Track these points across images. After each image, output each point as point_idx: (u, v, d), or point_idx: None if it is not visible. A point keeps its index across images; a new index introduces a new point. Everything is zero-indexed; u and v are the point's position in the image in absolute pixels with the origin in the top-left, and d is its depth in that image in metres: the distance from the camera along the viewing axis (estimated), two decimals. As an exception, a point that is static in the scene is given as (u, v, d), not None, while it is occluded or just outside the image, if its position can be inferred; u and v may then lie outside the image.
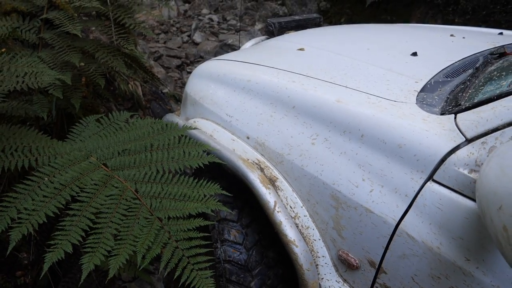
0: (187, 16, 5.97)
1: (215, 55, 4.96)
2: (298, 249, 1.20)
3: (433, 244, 0.95)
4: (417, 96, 1.17)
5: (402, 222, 1.01)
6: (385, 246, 1.05)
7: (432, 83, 1.25)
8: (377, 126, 1.09)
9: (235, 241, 1.37)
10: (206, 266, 1.13)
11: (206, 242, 1.17)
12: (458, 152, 0.95)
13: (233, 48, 4.96)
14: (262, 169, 1.32)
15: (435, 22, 6.19)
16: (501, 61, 1.32)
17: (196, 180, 1.29)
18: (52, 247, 1.07)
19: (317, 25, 2.49)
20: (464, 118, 0.99)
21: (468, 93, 1.10)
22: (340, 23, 6.85)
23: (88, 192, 1.19)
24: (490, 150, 0.89)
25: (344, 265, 1.17)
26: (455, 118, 1.01)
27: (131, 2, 2.26)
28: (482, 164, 0.89)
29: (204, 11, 6.15)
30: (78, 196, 1.18)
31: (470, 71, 1.32)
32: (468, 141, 0.95)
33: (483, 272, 0.87)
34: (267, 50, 1.82)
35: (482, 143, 0.92)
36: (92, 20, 2.33)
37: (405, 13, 6.62)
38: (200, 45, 5.15)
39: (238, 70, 1.58)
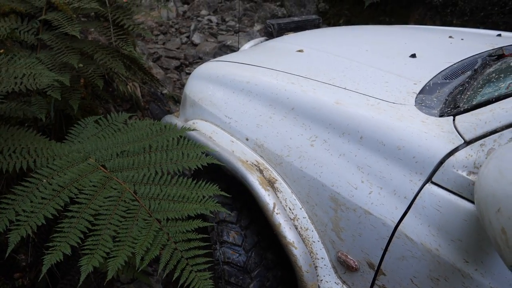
0: (186, 17, 5.97)
1: (214, 56, 4.95)
2: (297, 251, 1.20)
3: (432, 246, 0.95)
4: (415, 98, 1.17)
5: (401, 224, 1.01)
6: (384, 248, 1.05)
7: (431, 85, 1.25)
8: (376, 128, 1.09)
9: (234, 242, 1.36)
10: (205, 267, 1.13)
11: (205, 244, 1.17)
12: (457, 154, 0.95)
13: (232, 49, 4.96)
14: (261, 171, 1.32)
15: (434, 23, 6.20)
16: (499, 63, 1.32)
17: (194, 182, 1.29)
18: (50, 249, 1.07)
19: (316, 26, 2.49)
20: (463, 120, 0.99)
21: (467, 95, 1.11)
22: (339, 24, 6.85)
23: (87, 194, 1.19)
24: (488, 152, 0.89)
25: (343, 267, 1.17)
26: (453, 120, 1.02)
27: (130, 3, 2.26)
28: (480, 166, 0.89)
29: (203, 12, 6.15)
30: (77, 198, 1.18)
31: (469, 73, 1.33)
32: (467, 143, 0.95)
33: (481, 274, 0.87)
34: (266, 52, 1.82)
35: (480, 145, 0.92)
36: (90, 21, 2.33)
37: (403, 15, 6.63)
38: (199, 46, 5.15)
39: (237, 71, 1.58)
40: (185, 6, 6.37)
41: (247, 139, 1.40)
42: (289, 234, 1.21)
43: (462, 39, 1.73)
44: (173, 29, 5.55)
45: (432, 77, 1.29)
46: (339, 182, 1.14)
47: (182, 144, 1.39)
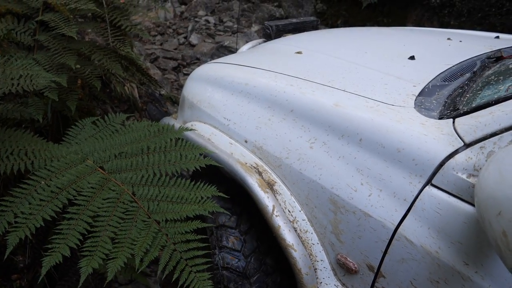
0: (183, 18, 5.96)
1: (212, 57, 4.95)
2: (297, 253, 1.19)
3: (432, 249, 0.95)
4: (415, 100, 1.17)
5: (401, 226, 1.01)
6: (383, 250, 1.05)
7: (430, 87, 1.25)
8: (376, 130, 1.09)
9: (233, 248, 1.36)
10: (204, 268, 1.13)
11: (204, 245, 1.18)
12: (457, 156, 0.95)
13: (230, 49, 4.95)
14: (260, 173, 1.32)
15: (431, 24, 6.22)
16: (498, 65, 1.32)
17: (193, 183, 1.30)
18: (49, 251, 1.07)
19: (314, 28, 2.49)
20: (463, 122, 0.99)
21: (466, 98, 1.11)
22: (337, 25, 6.86)
23: (85, 196, 1.19)
24: (488, 155, 0.89)
25: (343, 269, 1.17)
26: (453, 122, 1.02)
27: (127, 4, 2.25)
28: (480, 169, 0.89)
29: (201, 12, 6.14)
30: (75, 199, 1.18)
31: (468, 75, 1.33)
32: (467, 145, 0.95)
33: (481, 276, 0.87)
34: (264, 53, 1.82)
35: (480, 147, 0.92)
36: (87, 22, 2.32)
37: (401, 15, 6.64)
38: (197, 47, 5.14)
39: (236, 73, 1.57)
40: (183, 6, 6.36)
41: (246, 141, 1.40)
42: (288, 236, 1.21)
43: (460, 41, 1.73)
44: (170, 30, 5.54)
45: (431, 79, 1.29)
46: (339, 184, 1.14)
47: (180, 145, 1.39)
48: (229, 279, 1.32)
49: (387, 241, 1.03)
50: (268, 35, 2.33)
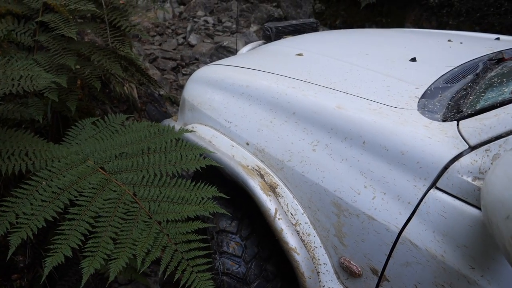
0: (182, 18, 5.95)
1: (211, 57, 4.94)
2: (300, 257, 1.19)
3: (437, 252, 0.94)
4: (418, 102, 1.17)
5: (405, 229, 1.00)
6: (387, 253, 1.04)
7: (432, 89, 1.24)
8: (379, 133, 1.08)
9: (234, 253, 1.35)
10: (205, 268, 1.14)
11: (205, 245, 1.18)
12: (462, 159, 0.94)
13: (229, 50, 4.94)
14: (262, 176, 1.31)
15: (430, 24, 6.22)
16: (500, 67, 1.32)
17: (193, 183, 1.30)
18: (51, 251, 1.08)
19: (314, 29, 2.49)
20: (467, 125, 0.99)
21: (470, 100, 1.10)
22: (335, 25, 6.86)
23: (87, 196, 1.20)
24: (494, 158, 0.89)
25: (346, 273, 1.16)
26: (457, 125, 1.01)
27: (127, 4, 2.24)
28: (486, 172, 0.89)
29: (199, 13, 6.13)
30: (77, 200, 1.18)
31: (470, 77, 1.32)
32: (471, 148, 0.94)
33: (488, 280, 0.86)
34: (265, 55, 1.81)
35: (485, 150, 0.91)
36: (87, 22, 2.31)
37: (399, 15, 6.65)
38: (196, 47, 5.13)
39: (237, 75, 1.57)
40: (182, 7, 6.34)
41: (247, 144, 1.39)
42: (291, 240, 1.20)
43: (461, 43, 1.73)
44: (169, 30, 5.53)
45: (433, 81, 1.28)
46: (342, 187, 1.13)
47: (181, 146, 1.39)
48: (229, 285, 1.31)
49: (391, 244, 1.03)
50: (268, 37, 2.32)
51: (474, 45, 1.70)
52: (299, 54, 1.67)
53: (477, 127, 0.96)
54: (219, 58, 4.82)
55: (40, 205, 1.14)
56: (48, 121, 1.97)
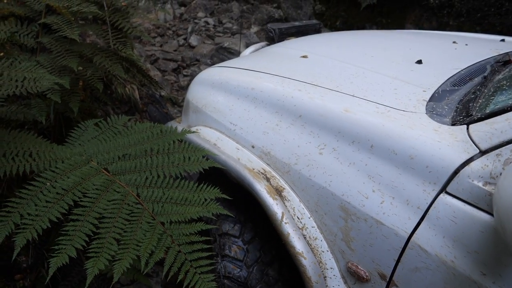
0: (183, 19, 5.93)
1: (211, 58, 4.93)
2: (307, 261, 1.18)
3: (447, 258, 0.93)
4: (426, 105, 1.16)
5: (414, 234, 0.99)
6: (396, 258, 1.03)
7: (440, 92, 1.24)
8: (388, 137, 1.07)
9: (235, 257, 1.34)
10: (208, 269, 1.14)
11: (208, 246, 1.18)
12: (472, 164, 0.93)
13: (229, 51, 4.93)
14: (268, 179, 1.30)
15: (430, 25, 6.22)
16: (507, 70, 1.31)
17: (196, 184, 1.30)
18: (56, 252, 1.08)
19: (317, 31, 2.48)
20: (477, 129, 0.98)
21: (479, 103, 1.09)
22: (336, 26, 6.85)
23: (91, 197, 1.20)
24: (505, 163, 0.88)
25: (354, 278, 1.15)
26: (467, 129, 1.00)
27: (128, 6, 2.24)
28: (497, 176, 0.88)
29: (200, 14, 6.12)
30: (81, 201, 1.19)
31: (477, 79, 1.31)
32: (482, 153, 0.93)
33: (499, 287, 0.85)
34: (269, 57, 1.80)
35: (496, 155, 0.90)
36: (89, 24, 2.31)
37: (400, 16, 6.64)
38: (196, 48, 5.12)
39: (242, 77, 1.55)
40: (182, 8, 6.33)
41: (253, 147, 1.38)
42: (298, 244, 1.19)
43: (466, 45, 1.72)
44: (170, 31, 5.52)
45: (440, 84, 1.28)
46: (349, 191, 1.12)
47: (183, 147, 1.39)
48: None
49: (400, 249, 1.02)
50: (271, 38, 2.31)
51: (480, 47, 1.69)
52: (303, 56, 1.66)
53: (487, 131, 0.95)
54: (220, 59, 4.82)
55: (44, 206, 1.15)
56: (51, 122, 1.97)
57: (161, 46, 5.10)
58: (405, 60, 1.50)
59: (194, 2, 6.34)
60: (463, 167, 0.94)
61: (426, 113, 1.12)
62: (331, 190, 1.16)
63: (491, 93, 1.12)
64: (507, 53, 1.51)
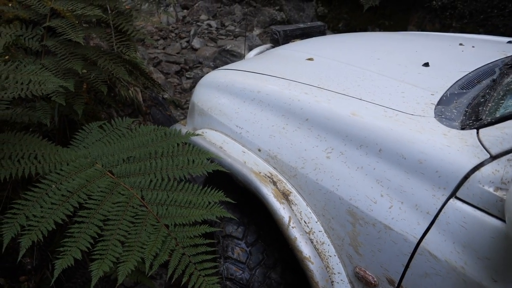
0: (185, 22, 5.94)
1: (214, 61, 4.93)
2: (314, 266, 1.17)
3: (457, 264, 0.92)
4: (434, 109, 1.15)
5: (424, 240, 0.98)
6: (405, 264, 1.02)
7: (448, 95, 1.23)
8: (396, 141, 1.06)
9: (238, 259, 1.35)
10: (212, 272, 1.14)
11: (212, 249, 1.18)
12: (483, 169, 0.92)
13: (232, 53, 4.93)
14: (275, 183, 1.29)
15: (433, 27, 6.20)
16: (516, 73, 1.30)
17: (200, 187, 1.30)
18: (61, 253, 1.09)
19: (322, 33, 2.47)
20: (488, 133, 0.97)
21: (488, 107, 1.08)
22: (338, 28, 6.84)
23: (95, 199, 1.21)
24: (517, 168, 0.87)
25: (361, 283, 1.14)
26: (477, 133, 0.99)
27: (132, 9, 2.24)
28: (509, 182, 0.87)
29: (203, 17, 6.12)
30: (86, 203, 1.19)
31: (485, 82, 1.30)
32: (493, 158, 0.92)
33: (511, 294, 0.84)
34: (275, 60, 1.80)
35: (508, 160, 0.89)
36: (92, 27, 2.31)
37: (402, 18, 6.62)
38: (199, 50, 5.12)
39: (247, 80, 1.55)
40: (185, 11, 6.34)
41: (259, 150, 1.37)
42: (305, 248, 1.18)
43: (473, 47, 1.71)
44: (173, 34, 5.52)
45: (448, 87, 1.27)
46: (357, 195, 1.11)
47: (188, 150, 1.39)
48: None
49: (409, 255, 1.01)
50: (276, 40, 2.31)
51: (487, 49, 1.68)
52: (309, 59, 1.66)
53: (498, 136, 0.94)
54: (223, 62, 4.81)
55: (50, 207, 1.15)
56: (55, 125, 1.98)
57: (164, 48, 5.11)
58: (412, 63, 1.49)
59: (196, 5, 6.35)
60: (473, 172, 0.93)
61: (434, 117, 1.11)
62: (339, 194, 1.15)
63: (500, 96, 1.11)
64: (514, 56, 1.50)
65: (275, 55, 1.89)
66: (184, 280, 1.12)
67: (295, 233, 1.19)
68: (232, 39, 5.59)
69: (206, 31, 5.67)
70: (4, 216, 1.18)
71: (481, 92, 1.22)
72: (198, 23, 5.93)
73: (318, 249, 1.21)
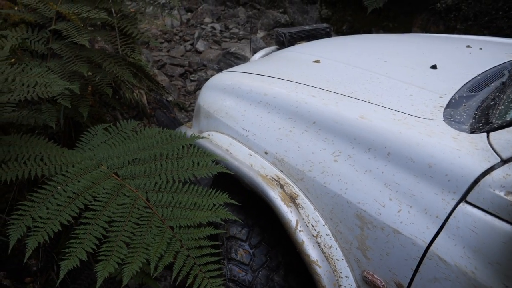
0: (189, 25, 5.96)
1: (218, 63, 4.93)
2: (321, 270, 1.16)
3: (468, 269, 0.91)
4: (443, 112, 1.14)
5: (433, 244, 0.97)
6: (414, 268, 1.01)
7: (457, 98, 1.22)
8: (405, 144, 1.06)
9: (241, 261, 1.35)
10: (217, 274, 1.14)
11: (217, 251, 1.18)
12: (493, 173, 0.91)
13: (236, 56, 4.93)
14: (282, 186, 1.29)
15: (437, 29, 6.18)
16: (525, 75, 1.29)
17: (205, 190, 1.31)
18: (67, 255, 1.09)
19: (327, 34, 2.47)
20: (498, 137, 0.96)
21: (498, 110, 1.07)
22: (342, 31, 6.83)
23: (101, 201, 1.22)
24: (529, 172, 0.86)
25: (369, 287, 1.13)
26: (487, 137, 0.98)
27: (137, 12, 2.25)
28: (521, 186, 0.86)
29: (207, 19, 6.14)
30: (91, 204, 1.20)
31: (494, 85, 1.29)
32: (504, 161, 0.91)
33: (524, 299, 0.83)
34: (281, 62, 1.79)
35: (519, 164, 0.88)
36: (97, 30, 2.32)
37: (406, 20, 6.61)
38: (203, 53, 5.13)
39: (254, 83, 1.54)
40: (189, 14, 6.36)
41: (266, 153, 1.37)
42: (312, 252, 1.17)
43: (480, 49, 1.70)
44: (177, 37, 5.54)
45: (457, 89, 1.26)
46: (366, 199, 1.10)
47: (193, 152, 1.39)
48: None
49: (418, 259, 1.00)
50: (281, 43, 2.30)
51: (494, 51, 1.67)
52: (316, 61, 1.65)
53: (509, 139, 0.93)
54: (227, 64, 4.82)
55: (55, 209, 1.16)
56: (61, 127, 1.98)
57: (168, 51, 5.12)
58: (419, 65, 1.48)
59: (200, 8, 6.36)
60: (483, 176, 0.92)
61: (444, 120, 1.10)
62: (347, 197, 1.14)
63: (510, 99, 1.10)
64: (522, 58, 1.49)
65: (281, 57, 1.88)
66: (189, 282, 1.12)
67: (302, 236, 1.19)
68: (236, 42, 5.60)
69: (210, 34, 5.68)
70: (10, 218, 1.19)
71: (490, 95, 1.21)
72: (202, 26, 5.94)
73: (325, 253, 1.20)
